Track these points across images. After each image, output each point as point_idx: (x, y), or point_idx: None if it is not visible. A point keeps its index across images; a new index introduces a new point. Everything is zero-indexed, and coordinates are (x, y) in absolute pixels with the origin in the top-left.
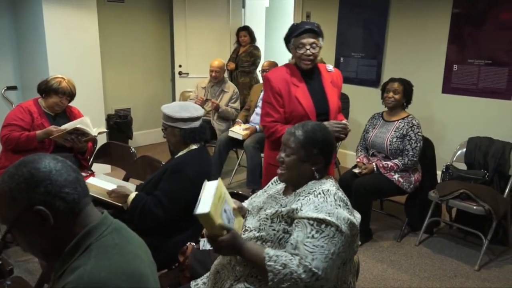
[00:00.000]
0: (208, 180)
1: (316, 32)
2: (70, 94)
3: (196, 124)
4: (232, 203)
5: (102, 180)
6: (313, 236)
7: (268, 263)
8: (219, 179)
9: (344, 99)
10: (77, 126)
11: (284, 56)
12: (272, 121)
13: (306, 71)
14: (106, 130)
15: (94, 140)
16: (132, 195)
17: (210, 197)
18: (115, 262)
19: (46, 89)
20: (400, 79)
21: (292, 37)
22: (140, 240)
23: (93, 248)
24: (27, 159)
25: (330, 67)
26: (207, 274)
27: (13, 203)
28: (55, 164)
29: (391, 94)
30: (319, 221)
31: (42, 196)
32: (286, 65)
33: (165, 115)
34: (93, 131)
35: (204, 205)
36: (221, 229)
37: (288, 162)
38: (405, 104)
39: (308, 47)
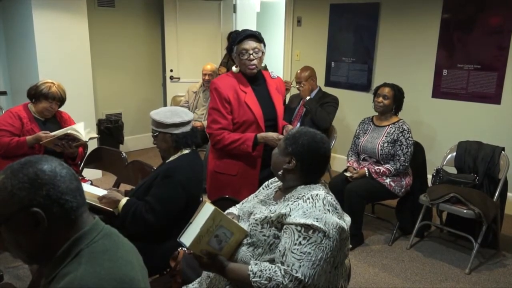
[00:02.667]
0: (199, 184)
1: (258, 38)
2: (60, 99)
3: (187, 128)
4: (232, 221)
5: (92, 187)
6: (300, 243)
7: (254, 279)
8: (214, 209)
9: (333, 100)
10: (68, 131)
11: (275, 61)
12: (219, 128)
13: (252, 77)
14: (97, 136)
15: (85, 145)
16: (123, 200)
17: (197, 229)
18: (105, 268)
19: (36, 94)
20: (392, 85)
21: (235, 45)
22: (131, 245)
23: (83, 254)
24: (34, 159)
25: (274, 74)
26: (199, 279)
27: (11, 200)
28: (61, 170)
29: (380, 99)
30: (307, 227)
31: (42, 199)
32: (231, 73)
33: (156, 122)
34: (84, 137)
35: (188, 237)
36: (205, 254)
37: (274, 151)
38: (394, 110)
39: (251, 52)
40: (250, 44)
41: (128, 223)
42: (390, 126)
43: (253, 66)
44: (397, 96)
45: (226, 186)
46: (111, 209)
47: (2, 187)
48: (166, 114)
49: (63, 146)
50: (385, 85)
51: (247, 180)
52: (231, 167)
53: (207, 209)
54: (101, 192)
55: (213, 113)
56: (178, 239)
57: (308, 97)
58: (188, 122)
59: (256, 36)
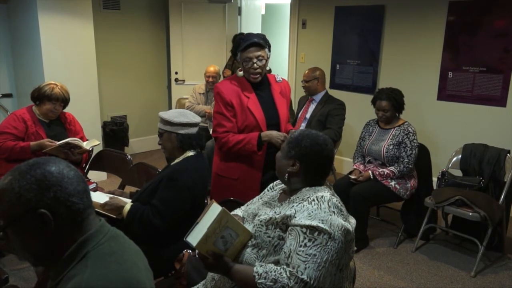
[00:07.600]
0: (204, 187)
1: (262, 45)
2: (64, 100)
3: (194, 130)
4: (238, 222)
5: (94, 193)
6: (305, 245)
7: (259, 281)
8: (222, 209)
9: (339, 105)
10: (69, 140)
11: (280, 63)
12: (225, 131)
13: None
14: (98, 143)
15: (88, 151)
16: (127, 206)
17: (204, 229)
18: (112, 270)
19: (39, 96)
20: (387, 96)
21: (238, 51)
22: (136, 247)
23: (90, 256)
24: (41, 161)
25: (279, 77)
26: (203, 281)
27: (18, 201)
28: (68, 172)
29: (381, 113)
30: (312, 229)
31: (50, 201)
32: (235, 77)
33: (163, 120)
34: (85, 145)
35: (194, 237)
36: (211, 255)
37: (277, 154)
38: (397, 114)
39: (255, 60)
40: (254, 53)
41: (135, 228)
42: (396, 128)
43: (257, 75)
44: (396, 105)
45: (228, 189)
46: (114, 216)
47: (10, 188)
48: (174, 114)
49: (66, 154)
50: (380, 97)
51: (248, 184)
52: (233, 171)
53: (215, 209)
54: (103, 198)
55: (217, 117)
56: (184, 239)
57: None
58: (195, 124)
59: (259, 44)
